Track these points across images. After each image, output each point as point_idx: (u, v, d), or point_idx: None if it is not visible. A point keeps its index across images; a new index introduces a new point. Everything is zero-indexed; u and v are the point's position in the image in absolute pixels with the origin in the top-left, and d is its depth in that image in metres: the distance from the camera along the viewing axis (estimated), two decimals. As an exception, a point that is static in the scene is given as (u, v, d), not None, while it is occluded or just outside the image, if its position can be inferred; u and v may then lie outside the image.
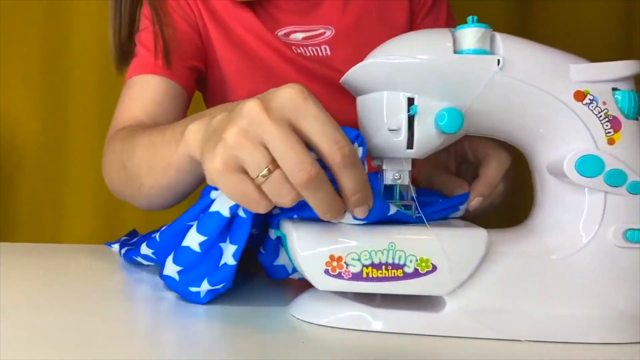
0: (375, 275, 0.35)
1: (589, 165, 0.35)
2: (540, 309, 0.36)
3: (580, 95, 0.36)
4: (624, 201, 0.35)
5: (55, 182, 1.47)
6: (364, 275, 0.35)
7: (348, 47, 0.69)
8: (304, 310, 0.38)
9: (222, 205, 0.38)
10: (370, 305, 0.37)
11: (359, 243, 0.35)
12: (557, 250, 0.36)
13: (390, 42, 0.39)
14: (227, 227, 0.38)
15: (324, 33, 0.71)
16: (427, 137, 0.37)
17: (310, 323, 0.37)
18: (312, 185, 0.32)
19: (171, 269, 0.40)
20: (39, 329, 0.35)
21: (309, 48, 0.70)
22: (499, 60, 0.36)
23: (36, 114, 1.44)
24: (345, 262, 0.35)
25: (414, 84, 0.37)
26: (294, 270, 0.43)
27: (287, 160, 0.32)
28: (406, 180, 0.39)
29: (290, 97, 0.33)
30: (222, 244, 0.39)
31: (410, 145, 0.37)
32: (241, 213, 0.38)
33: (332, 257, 0.35)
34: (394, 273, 0.35)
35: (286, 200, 0.33)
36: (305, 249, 0.35)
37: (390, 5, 0.72)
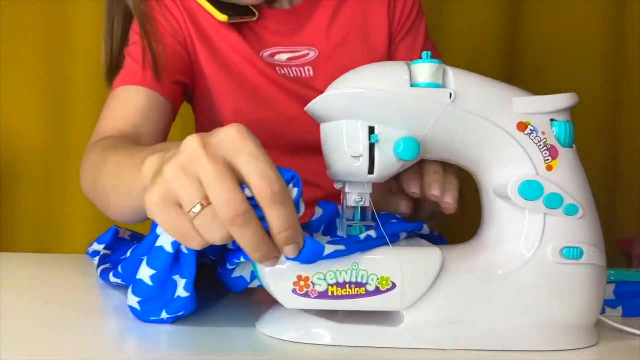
0: (339, 294, 0.37)
1: (530, 190, 0.39)
2: (488, 320, 0.39)
3: (522, 126, 0.40)
4: (560, 222, 0.39)
5: (56, 189, 1.47)
6: (329, 293, 0.37)
7: (331, 69, 0.71)
8: (271, 327, 0.40)
9: (165, 240, 0.39)
10: (334, 320, 0.39)
11: (324, 266, 0.37)
12: (502, 266, 0.40)
13: (351, 73, 0.41)
14: (175, 260, 0.40)
15: (308, 54, 0.73)
16: (387, 163, 0.40)
17: (277, 339, 0.39)
18: (238, 222, 0.32)
19: (132, 299, 0.41)
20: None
21: (293, 69, 0.73)
22: (451, 94, 0.39)
23: (38, 120, 1.45)
24: (311, 282, 0.37)
25: (374, 114, 0.40)
26: (253, 277, 0.44)
27: (217, 196, 0.32)
28: (367, 202, 0.42)
29: (228, 135, 0.34)
30: (174, 276, 0.40)
31: (371, 170, 0.40)
32: (183, 249, 0.39)
33: (299, 277, 0.37)
34: (357, 291, 0.37)
35: (216, 237, 0.33)
36: (274, 269, 0.37)
37: (371, 28, 0.75)
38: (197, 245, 0.34)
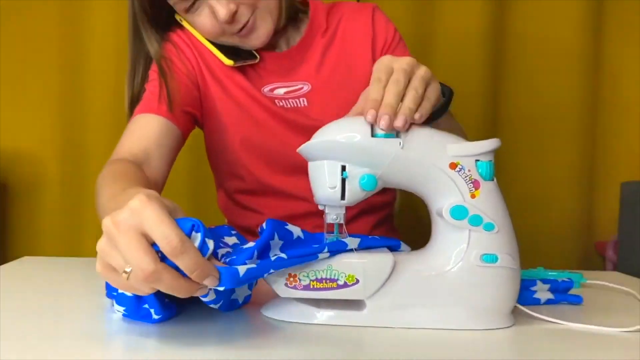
0: (318, 287, 0.53)
1: (458, 212, 0.53)
2: (428, 306, 0.54)
3: (453, 165, 0.54)
4: (481, 236, 0.54)
5: (74, 198, 1.64)
6: (311, 286, 0.53)
7: (322, 99, 0.86)
8: (271, 312, 0.56)
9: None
10: (316, 306, 0.55)
11: (307, 267, 0.52)
12: (439, 267, 0.54)
13: (328, 127, 0.56)
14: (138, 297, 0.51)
15: (302, 88, 0.87)
16: (354, 192, 0.55)
17: (277, 319, 0.55)
18: (151, 280, 0.42)
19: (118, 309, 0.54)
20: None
21: (290, 100, 0.86)
22: (400, 142, 0.54)
23: (56, 134, 1.62)
24: (298, 278, 0.52)
25: (345, 157, 0.55)
26: (245, 300, 0.57)
27: (131, 263, 0.43)
28: (342, 219, 0.57)
29: (132, 208, 0.43)
30: (144, 306, 0.52)
31: (343, 197, 0.55)
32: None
33: (290, 275, 0.52)
34: (331, 285, 0.53)
35: (146, 290, 0.44)
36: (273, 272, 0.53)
37: (357, 61, 0.88)
38: (142, 293, 0.46)
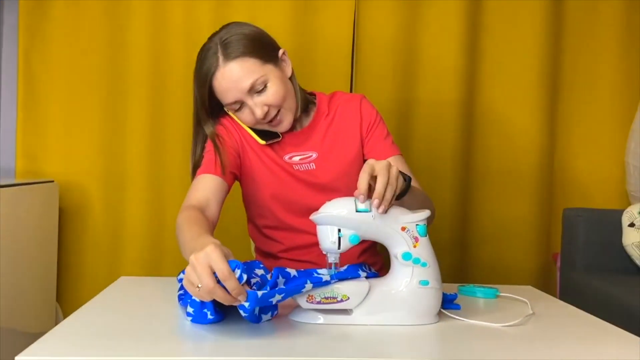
0: (325, 302, 0.89)
1: (406, 256, 0.91)
2: (389, 312, 0.91)
3: (403, 228, 0.92)
4: (419, 270, 0.91)
5: (114, 221, 2.02)
6: (322, 301, 0.89)
7: (325, 163, 1.25)
8: (296, 316, 0.92)
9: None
10: (322, 313, 0.91)
11: (319, 289, 0.89)
12: (396, 288, 0.92)
13: (329, 204, 0.93)
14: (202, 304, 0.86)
15: (311, 155, 1.26)
16: (346, 244, 0.92)
17: (299, 322, 0.91)
18: (211, 292, 0.74)
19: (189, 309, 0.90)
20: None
21: (303, 165, 1.25)
22: (372, 215, 0.91)
23: (98, 162, 2.00)
24: (314, 296, 0.89)
25: (340, 223, 0.91)
26: (273, 314, 0.90)
27: (202, 282, 0.74)
28: (337, 260, 0.94)
29: (206, 251, 0.75)
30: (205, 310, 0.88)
31: (339, 247, 0.92)
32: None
33: (309, 295, 0.89)
34: (333, 300, 0.89)
35: (207, 298, 0.76)
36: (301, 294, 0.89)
37: (350, 134, 1.28)
38: (205, 299, 0.78)
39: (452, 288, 1.16)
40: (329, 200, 0.92)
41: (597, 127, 2.16)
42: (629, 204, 2.01)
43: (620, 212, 1.84)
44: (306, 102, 1.28)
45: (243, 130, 1.22)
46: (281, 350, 0.78)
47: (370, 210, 0.92)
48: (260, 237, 1.31)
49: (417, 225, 0.93)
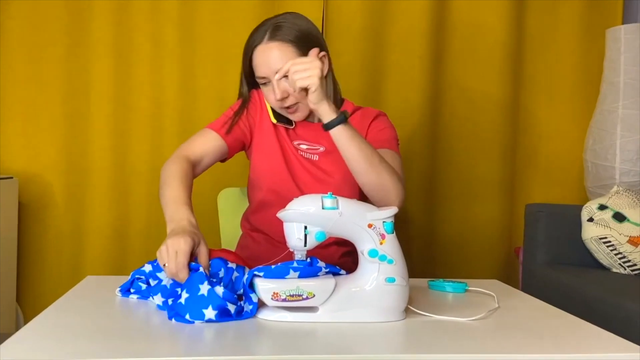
0: (291, 299, 0.89)
1: (372, 253, 0.92)
2: (355, 309, 0.91)
3: (370, 225, 0.92)
4: (386, 267, 0.92)
5: (77, 218, 1.96)
6: (287, 299, 0.89)
7: (329, 159, 1.29)
8: (263, 315, 0.92)
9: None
10: (288, 311, 0.91)
11: (285, 287, 0.89)
12: (362, 286, 0.92)
13: (296, 201, 0.93)
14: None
15: (318, 148, 1.31)
16: (312, 242, 0.92)
17: (266, 319, 0.91)
18: (171, 275, 0.93)
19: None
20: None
21: (307, 153, 1.31)
22: (340, 213, 0.91)
23: (60, 158, 1.92)
24: (279, 294, 0.89)
25: (307, 220, 0.91)
26: (252, 313, 0.92)
27: (169, 264, 0.93)
28: (304, 257, 0.93)
29: (174, 239, 0.94)
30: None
31: (305, 245, 0.92)
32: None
33: (274, 293, 0.88)
34: (298, 298, 0.89)
35: (169, 273, 0.93)
36: (264, 290, 0.89)
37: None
38: (171, 276, 0.94)
39: (422, 283, 1.17)
40: (319, 191, 1.00)
41: (557, 125, 2.22)
42: (588, 200, 2.07)
43: (579, 208, 1.89)
44: (336, 102, 1.30)
45: (265, 105, 1.31)
46: (246, 349, 0.78)
47: (337, 208, 0.92)
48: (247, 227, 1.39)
49: (384, 222, 0.93)
